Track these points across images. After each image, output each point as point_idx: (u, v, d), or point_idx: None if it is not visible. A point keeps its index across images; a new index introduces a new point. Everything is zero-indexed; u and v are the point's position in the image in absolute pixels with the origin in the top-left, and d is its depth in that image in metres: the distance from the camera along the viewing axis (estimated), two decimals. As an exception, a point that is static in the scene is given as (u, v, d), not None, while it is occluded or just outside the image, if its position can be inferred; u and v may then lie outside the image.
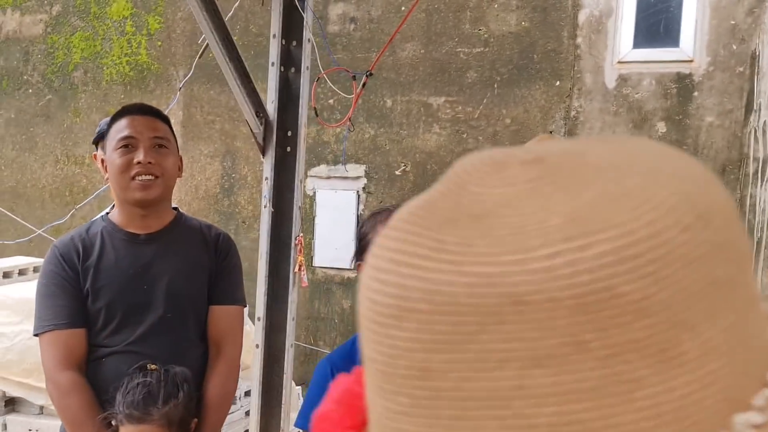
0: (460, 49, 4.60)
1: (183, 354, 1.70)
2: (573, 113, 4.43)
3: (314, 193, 4.91)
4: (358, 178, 4.81)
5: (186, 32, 5.26)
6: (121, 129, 1.66)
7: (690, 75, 4.21)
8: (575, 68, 4.42)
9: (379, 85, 4.78)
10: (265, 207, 3.08)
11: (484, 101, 4.57)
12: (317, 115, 2.66)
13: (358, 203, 4.81)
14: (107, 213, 1.82)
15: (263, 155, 3.18)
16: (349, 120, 2.66)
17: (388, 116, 4.77)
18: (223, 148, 5.17)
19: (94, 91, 5.48)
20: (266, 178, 3.03)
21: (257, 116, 2.98)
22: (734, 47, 4.13)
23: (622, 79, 4.34)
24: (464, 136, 4.61)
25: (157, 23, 5.30)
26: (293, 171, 3.04)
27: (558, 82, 4.44)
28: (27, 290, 3.53)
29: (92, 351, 1.69)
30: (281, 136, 3.01)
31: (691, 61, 4.21)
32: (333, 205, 4.86)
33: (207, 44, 3.32)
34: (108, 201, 5.39)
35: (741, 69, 4.11)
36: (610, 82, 4.37)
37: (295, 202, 3.17)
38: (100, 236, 1.73)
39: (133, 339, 1.67)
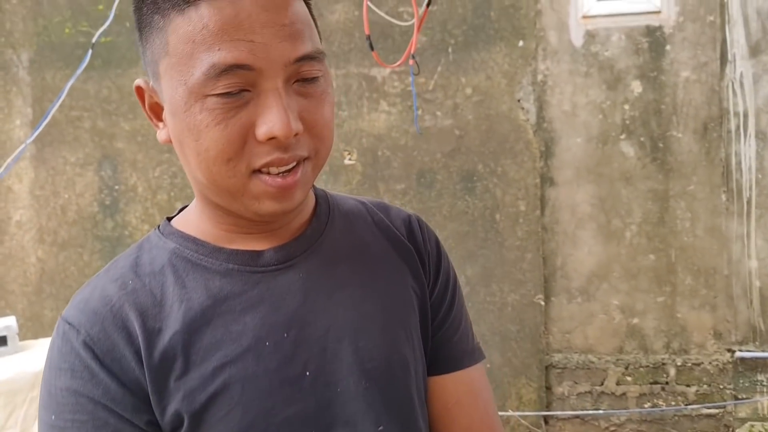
0: (402, 9, 3.82)
1: None
2: (540, 77, 3.86)
3: (234, 199, 3.84)
4: (290, 174, 3.83)
5: (26, 1, 3.89)
6: (215, 38, 0.66)
7: (660, 27, 3.83)
8: (537, 26, 3.86)
9: (305, 58, 3.85)
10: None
11: (439, 69, 3.84)
12: (373, 49, 1.74)
13: (294, 206, 3.83)
14: (169, 219, 0.82)
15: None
16: (412, 57, 1.78)
17: (321, 95, 3.85)
18: (97, 152, 3.89)
19: None
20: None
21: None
22: (701, -5, 3.81)
23: (590, 36, 3.85)
24: (419, 112, 3.84)
25: (-21, -10, 3.86)
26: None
27: (521, 42, 3.84)
28: None
29: None
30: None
31: (658, 12, 3.84)
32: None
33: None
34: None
35: (711, 18, 3.81)
36: (577, 40, 3.86)
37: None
38: (173, 277, 0.74)
39: None
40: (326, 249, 0.78)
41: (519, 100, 3.84)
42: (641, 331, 3.84)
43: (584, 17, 3.86)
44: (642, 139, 3.83)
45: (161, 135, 0.75)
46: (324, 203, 0.83)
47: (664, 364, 3.85)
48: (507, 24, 3.83)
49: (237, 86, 0.65)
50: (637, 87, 3.83)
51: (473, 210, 3.84)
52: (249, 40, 0.65)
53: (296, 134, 0.67)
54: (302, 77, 0.69)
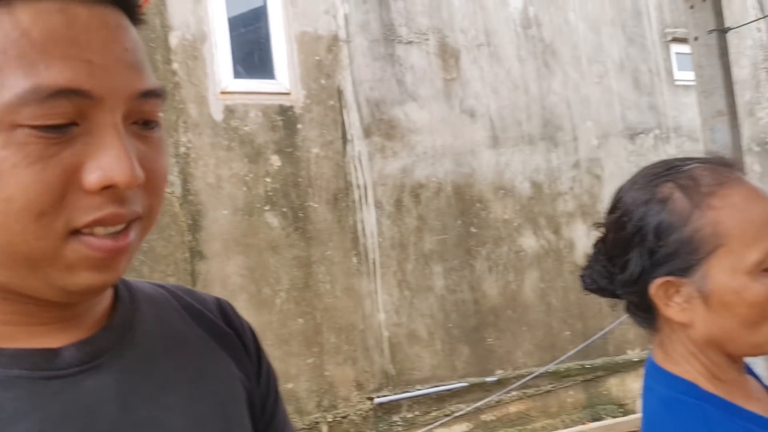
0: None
1: None
2: (183, 149, 3.78)
3: None
4: None
5: None
6: (39, 51, 0.48)
7: (291, 107, 4.16)
8: (176, 98, 3.79)
9: None
10: None
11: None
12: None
13: None
14: None
15: None
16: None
17: None
18: None
19: None
20: None
21: None
22: (323, 82, 4.29)
23: (229, 111, 3.95)
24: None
25: None
26: None
27: (161, 114, 3.70)
28: None
29: None
30: None
31: (289, 93, 4.17)
32: None
33: None
34: None
35: (332, 102, 4.31)
36: (217, 114, 3.92)
37: None
38: None
39: None
40: (141, 342, 0.61)
41: (163, 172, 3.68)
42: (296, 395, 3.96)
43: (222, 93, 3.95)
44: (284, 209, 4.05)
45: None
46: (122, 285, 0.65)
47: (317, 423, 4.03)
48: (145, 93, 3.67)
49: (67, 117, 0.49)
50: (276, 161, 4.06)
51: (118, 291, 3.48)
52: (86, 59, 0.49)
53: (138, 184, 0.52)
54: (142, 118, 0.54)
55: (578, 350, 4.83)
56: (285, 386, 3.92)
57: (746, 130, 6.18)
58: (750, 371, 0.95)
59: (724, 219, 0.77)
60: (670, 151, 5.62)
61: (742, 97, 6.18)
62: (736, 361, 0.84)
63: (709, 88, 2.67)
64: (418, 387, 4.37)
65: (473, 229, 4.74)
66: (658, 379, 0.86)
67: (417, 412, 4.34)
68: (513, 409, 4.68)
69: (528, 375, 4.67)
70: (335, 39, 4.36)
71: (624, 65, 5.60)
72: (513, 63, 5.06)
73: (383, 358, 4.30)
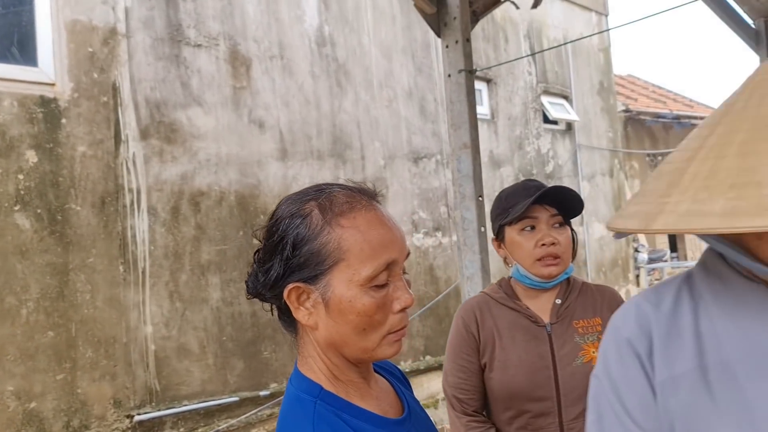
0: None
1: None
2: None
3: None
4: None
5: None
6: None
7: (55, 100, 3.80)
8: None
9: None
10: None
11: None
12: None
13: None
14: None
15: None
16: None
17: None
18: None
19: None
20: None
21: None
22: (96, 76, 3.99)
23: (-24, 97, 3.51)
24: None
25: None
26: None
27: None
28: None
29: None
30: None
31: (53, 84, 3.81)
32: None
33: None
34: None
35: (105, 99, 4.01)
36: (-40, 99, 3.45)
37: None
38: None
39: None
40: None
41: None
42: (39, 415, 3.59)
43: (-31, 75, 3.50)
44: (39, 210, 3.68)
45: None
46: None
47: (65, 444, 3.69)
48: None
49: None
50: (32, 156, 3.68)
51: None
52: None
53: None
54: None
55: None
56: (26, 406, 3.54)
57: (516, 161, 6.86)
58: (391, 374, 1.05)
59: (348, 237, 0.86)
60: (448, 175, 6.05)
61: (514, 131, 6.86)
62: (357, 364, 0.92)
63: (457, 122, 2.90)
64: (185, 403, 4.19)
65: (256, 241, 4.68)
66: (293, 380, 0.93)
67: (182, 429, 4.16)
68: (285, 422, 4.67)
69: (302, 388, 4.70)
70: (113, 32, 4.08)
71: (412, 92, 5.93)
72: (306, 78, 5.12)
73: (147, 373, 4.06)
